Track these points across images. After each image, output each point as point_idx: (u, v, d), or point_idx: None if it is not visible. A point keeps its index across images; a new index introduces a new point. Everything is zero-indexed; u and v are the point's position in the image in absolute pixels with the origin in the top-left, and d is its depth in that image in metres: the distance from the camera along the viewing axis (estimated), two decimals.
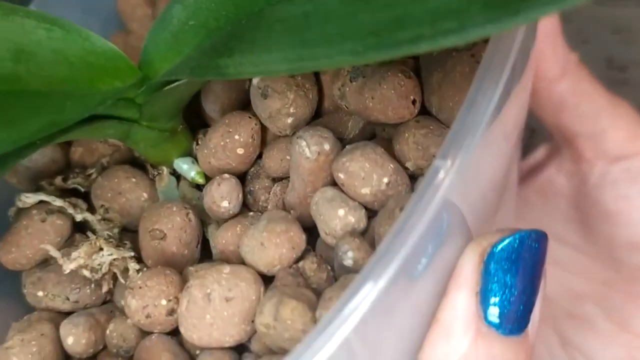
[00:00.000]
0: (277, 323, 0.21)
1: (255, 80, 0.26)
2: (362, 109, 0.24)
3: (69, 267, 0.24)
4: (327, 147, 0.24)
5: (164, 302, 0.23)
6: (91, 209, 0.28)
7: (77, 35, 0.24)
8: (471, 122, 0.18)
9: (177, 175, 0.29)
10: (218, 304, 0.22)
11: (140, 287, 0.23)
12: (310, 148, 0.24)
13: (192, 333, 0.22)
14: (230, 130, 0.26)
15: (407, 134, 0.24)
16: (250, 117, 0.26)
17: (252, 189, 0.27)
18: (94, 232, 0.27)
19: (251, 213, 0.27)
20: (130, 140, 0.26)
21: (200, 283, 0.22)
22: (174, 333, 0.25)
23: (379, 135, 0.26)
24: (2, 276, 0.29)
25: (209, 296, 0.22)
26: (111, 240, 0.25)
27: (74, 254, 0.24)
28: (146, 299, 0.23)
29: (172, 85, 0.23)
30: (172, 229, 0.25)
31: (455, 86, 0.23)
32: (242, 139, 0.26)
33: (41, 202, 0.27)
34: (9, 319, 0.28)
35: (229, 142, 0.26)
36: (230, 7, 0.23)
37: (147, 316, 0.23)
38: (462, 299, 0.20)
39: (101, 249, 0.24)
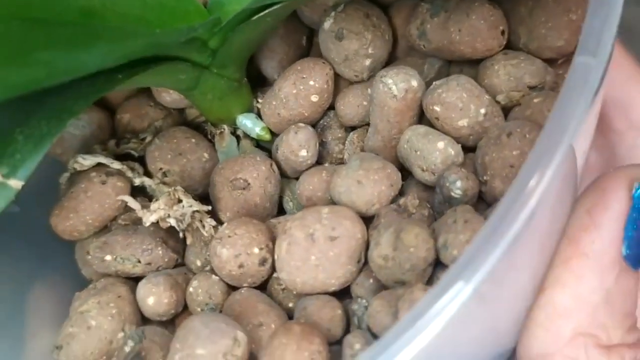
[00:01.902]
0: (397, 253, 0.19)
1: (327, 24, 0.25)
2: (447, 44, 0.24)
3: (149, 219, 0.22)
4: (414, 83, 0.23)
5: (256, 250, 0.22)
6: (147, 174, 0.27)
7: None
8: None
9: (237, 136, 0.27)
10: (323, 244, 0.21)
11: (229, 236, 0.22)
12: (398, 85, 0.23)
13: (296, 277, 0.21)
14: (304, 76, 0.25)
15: (496, 67, 0.23)
16: (324, 62, 0.25)
17: (324, 140, 0.26)
18: (151, 198, 0.26)
19: (327, 164, 0.26)
20: (198, 91, 0.25)
21: (301, 224, 0.21)
22: (260, 288, 0.23)
23: None
24: (52, 252, 0.27)
25: (312, 236, 0.21)
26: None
27: (154, 206, 0.22)
28: (238, 247, 0.22)
29: (261, 14, 0.22)
30: (257, 179, 0.24)
31: (548, 12, 0.23)
32: (317, 85, 0.25)
33: (98, 165, 0.25)
34: (66, 293, 0.25)
35: (302, 89, 0.25)
36: None
37: (240, 266, 0.22)
38: (609, 233, 0.19)
39: (180, 201, 0.23)
